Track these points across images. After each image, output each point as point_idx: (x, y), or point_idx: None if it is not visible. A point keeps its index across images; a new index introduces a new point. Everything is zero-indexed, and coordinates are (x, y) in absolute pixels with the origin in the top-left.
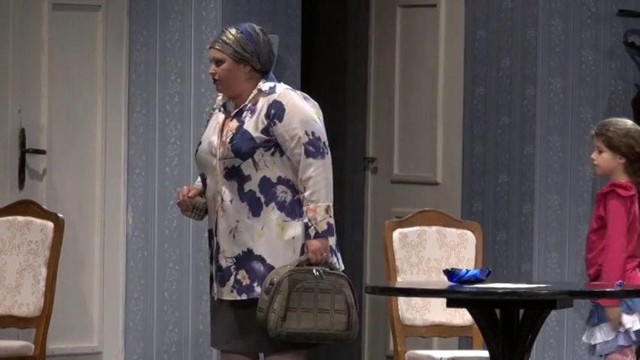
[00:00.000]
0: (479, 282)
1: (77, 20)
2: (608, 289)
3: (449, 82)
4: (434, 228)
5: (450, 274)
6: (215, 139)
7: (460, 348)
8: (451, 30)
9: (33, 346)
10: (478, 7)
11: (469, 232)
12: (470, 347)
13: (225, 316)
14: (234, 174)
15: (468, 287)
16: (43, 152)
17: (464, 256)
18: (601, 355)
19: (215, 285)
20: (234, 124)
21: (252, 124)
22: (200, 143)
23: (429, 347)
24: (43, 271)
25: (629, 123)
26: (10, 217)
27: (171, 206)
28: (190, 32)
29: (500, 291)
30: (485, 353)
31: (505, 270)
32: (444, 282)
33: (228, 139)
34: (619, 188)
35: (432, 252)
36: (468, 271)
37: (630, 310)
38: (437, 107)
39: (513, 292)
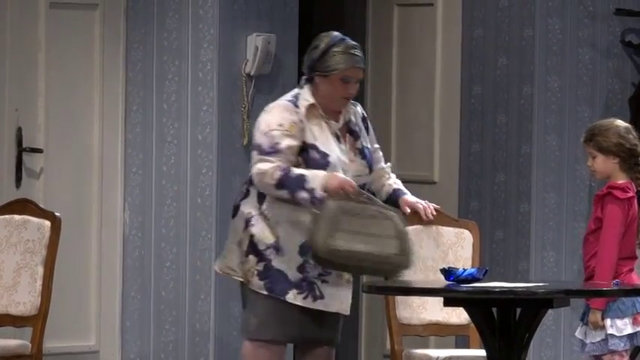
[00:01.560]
0: (476, 281)
1: (74, 19)
2: (605, 289)
3: (446, 81)
4: (431, 227)
5: (447, 273)
6: (342, 155)
7: (457, 347)
8: (448, 28)
9: (30, 344)
10: (475, 5)
11: (466, 231)
12: (467, 346)
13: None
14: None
15: (464, 286)
16: (40, 151)
17: (461, 255)
18: (590, 355)
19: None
20: (352, 138)
21: (366, 138)
22: (326, 155)
23: (426, 346)
24: (40, 270)
25: (615, 122)
26: (7, 216)
27: (168, 205)
28: (187, 31)
29: (498, 290)
30: (482, 352)
31: (502, 269)
32: (441, 281)
33: (359, 156)
34: (616, 190)
35: (428, 251)
36: (465, 270)
37: (622, 314)
38: (434, 106)
39: (510, 291)
